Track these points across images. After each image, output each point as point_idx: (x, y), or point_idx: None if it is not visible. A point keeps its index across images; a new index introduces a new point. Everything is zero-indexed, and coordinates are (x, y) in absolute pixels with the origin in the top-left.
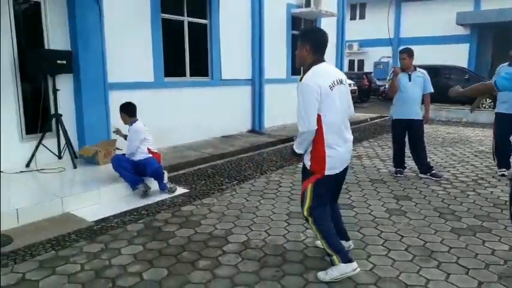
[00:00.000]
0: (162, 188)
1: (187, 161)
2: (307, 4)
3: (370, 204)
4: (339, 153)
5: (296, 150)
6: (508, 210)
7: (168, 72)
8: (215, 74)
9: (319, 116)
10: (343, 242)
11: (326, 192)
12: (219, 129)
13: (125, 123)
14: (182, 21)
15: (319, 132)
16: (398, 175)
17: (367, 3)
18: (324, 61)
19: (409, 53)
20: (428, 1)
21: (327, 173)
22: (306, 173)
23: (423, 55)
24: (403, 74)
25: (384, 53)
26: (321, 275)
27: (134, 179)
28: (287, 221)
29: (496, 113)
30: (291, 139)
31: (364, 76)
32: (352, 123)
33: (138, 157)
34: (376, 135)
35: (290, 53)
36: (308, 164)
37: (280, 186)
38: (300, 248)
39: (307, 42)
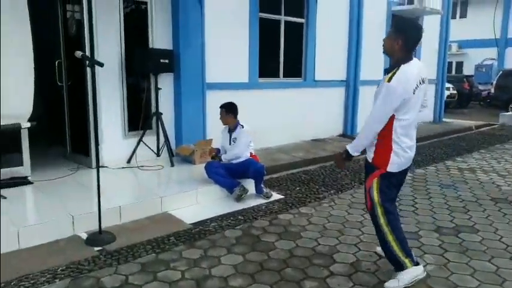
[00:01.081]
0: (259, 192)
1: (281, 165)
2: (410, 1)
3: (497, 229)
4: (404, 151)
5: (351, 152)
6: None
7: (262, 73)
8: (308, 74)
9: (393, 116)
10: None
11: (392, 188)
12: (310, 132)
13: (226, 123)
14: (279, 21)
15: (388, 128)
16: None
17: (470, 1)
18: (413, 58)
19: None
20: None
21: (389, 169)
22: (369, 169)
23: None
24: None
25: (487, 55)
26: (392, 283)
27: (231, 182)
28: None
29: None
30: None
31: (464, 79)
32: (454, 131)
33: (239, 160)
34: (487, 146)
35: None
36: (371, 156)
37: None
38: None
39: (401, 36)
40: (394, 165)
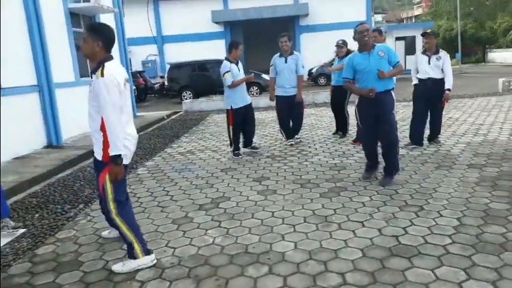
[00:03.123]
0: None
1: None
2: None
3: (239, 191)
4: (131, 142)
5: (116, 152)
6: None
7: None
8: None
9: None
10: None
11: (124, 181)
12: (8, 151)
13: None
14: None
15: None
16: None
17: (125, 1)
18: (113, 58)
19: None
20: (184, 0)
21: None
22: (100, 165)
23: (187, 51)
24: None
25: (149, 51)
26: (117, 267)
27: None
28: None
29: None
30: None
31: (138, 75)
32: (152, 123)
33: None
34: (187, 130)
35: (75, 53)
36: (100, 153)
37: (139, 198)
38: None
39: (99, 38)
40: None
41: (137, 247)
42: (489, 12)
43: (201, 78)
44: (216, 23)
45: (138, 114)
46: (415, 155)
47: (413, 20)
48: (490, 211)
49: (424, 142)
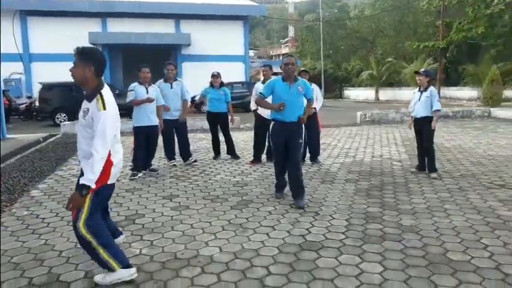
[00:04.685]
0: None
1: None
2: None
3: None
4: (120, 160)
5: (91, 184)
6: None
7: None
8: None
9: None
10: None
11: (106, 199)
12: None
13: None
14: None
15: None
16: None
17: None
18: (104, 84)
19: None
20: (57, 17)
21: (110, 181)
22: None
23: (59, 72)
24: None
25: (13, 69)
26: (98, 278)
27: None
28: None
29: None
30: None
31: (1, 94)
32: (28, 146)
33: None
34: (74, 152)
35: None
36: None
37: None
38: None
39: (91, 63)
40: (113, 176)
41: (113, 263)
42: (344, 55)
43: (79, 100)
44: (94, 44)
45: (8, 136)
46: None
47: (281, 58)
48: (368, 213)
49: (307, 162)
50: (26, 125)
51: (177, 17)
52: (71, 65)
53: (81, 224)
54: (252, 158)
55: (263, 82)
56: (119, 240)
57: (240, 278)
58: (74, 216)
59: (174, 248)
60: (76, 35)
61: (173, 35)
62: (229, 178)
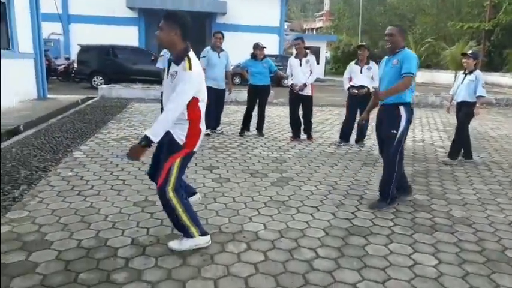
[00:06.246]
0: None
1: None
2: None
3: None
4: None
5: (154, 139)
6: None
7: None
8: None
9: (196, 100)
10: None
11: (186, 166)
12: None
13: None
14: None
15: (197, 111)
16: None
17: None
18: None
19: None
20: None
21: (195, 149)
22: (172, 149)
23: (95, 35)
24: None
25: (53, 30)
26: (174, 244)
27: None
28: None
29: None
30: None
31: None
32: (66, 108)
33: None
34: (112, 116)
35: None
36: (182, 139)
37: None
38: None
39: (176, 26)
40: (199, 144)
41: (193, 229)
42: (381, 32)
43: (115, 64)
44: (131, 8)
45: (49, 96)
46: (343, 152)
47: (314, 32)
48: (415, 201)
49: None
50: (64, 86)
51: None
52: (106, 28)
53: (169, 188)
54: (290, 134)
55: (296, 56)
56: (195, 199)
57: (287, 259)
58: (161, 180)
59: (218, 220)
60: None
61: (210, 2)
62: (267, 153)
